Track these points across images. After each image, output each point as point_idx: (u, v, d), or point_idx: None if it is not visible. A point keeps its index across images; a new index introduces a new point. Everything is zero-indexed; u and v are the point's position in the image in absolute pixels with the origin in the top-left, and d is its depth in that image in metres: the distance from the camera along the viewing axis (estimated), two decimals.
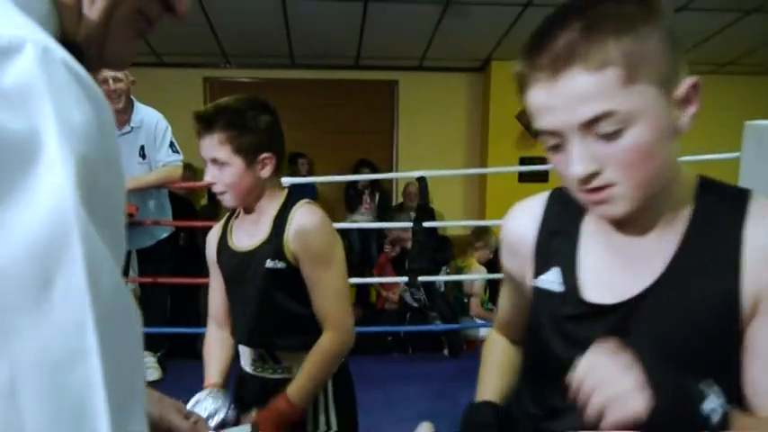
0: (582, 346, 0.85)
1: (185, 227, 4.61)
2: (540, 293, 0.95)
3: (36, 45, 0.40)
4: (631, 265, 0.87)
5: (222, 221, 1.73)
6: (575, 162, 0.77)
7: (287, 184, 2.54)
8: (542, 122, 0.79)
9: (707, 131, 6.15)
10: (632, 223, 0.86)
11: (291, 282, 1.55)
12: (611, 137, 0.75)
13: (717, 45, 5.71)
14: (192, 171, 5.36)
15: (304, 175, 5.69)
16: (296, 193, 1.63)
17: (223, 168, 1.52)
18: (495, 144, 6.40)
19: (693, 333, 0.83)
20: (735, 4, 4.78)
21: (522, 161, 6.25)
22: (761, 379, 0.83)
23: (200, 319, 3.82)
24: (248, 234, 1.62)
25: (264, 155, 1.52)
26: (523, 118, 6.36)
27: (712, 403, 0.75)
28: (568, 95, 0.74)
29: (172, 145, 3.46)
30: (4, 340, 0.35)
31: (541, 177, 6.35)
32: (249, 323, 1.63)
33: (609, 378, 0.76)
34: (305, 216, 1.54)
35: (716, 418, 0.75)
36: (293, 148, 6.08)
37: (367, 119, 6.81)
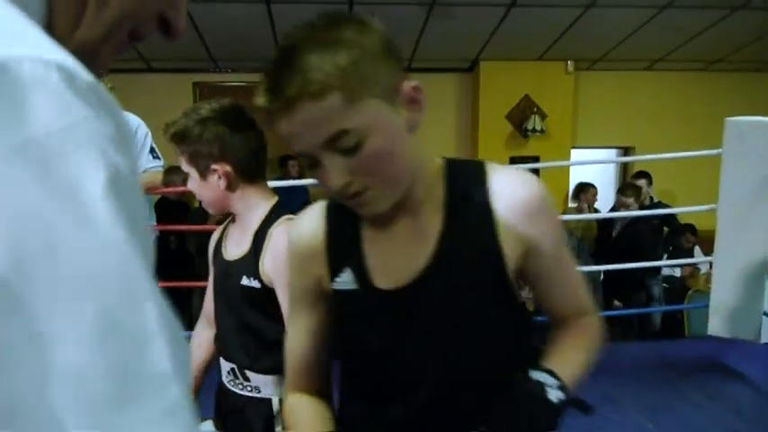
0: (388, 333, 0.97)
1: (175, 230, 4.60)
2: (340, 295, 1.01)
3: (60, 70, 0.33)
4: (410, 248, 0.96)
5: (225, 223, 1.70)
6: (329, 177, 0.86)
7: (274, 187, 2.52)
8: (293, 147, 0.87)
9: (698, 127, 6.21)
10: (399, 213, 0.95)
11: (265, 303, 1.49)
12: (352, 150, 0.83)
13: (705, 42, 5.75)
14: (180, 174, 5.34)
15: (295, 177, 5.68)
16: (283, 205, 1.58)
17: (189, 178, 1.53)
18: (485, 144, 6.42)
19: (475, 295, 0.95)
20: (721, 1, 4.81)
21: (512, 160, 6.26)
22: (563, 298, 1.03)
23: (192, 322, 3.81)
24: (236, 243, 1.58)
25: (216, 166, 1.48)
26: (513, 117, 6.39)
27: (551, 387, 0.89)
28: (303, 123, 0.82)
29: (152, 150, 3.44)
30: None
31: None
32: (221, 336, 1.61)
33: None
34: (281, 237, 1.45)
35: (563, 395, 0.89)
36: (283, 150, 6.07)
37: None
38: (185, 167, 1.52)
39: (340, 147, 0.83)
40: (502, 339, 0.99)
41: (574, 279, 1.05)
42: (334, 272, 1.01)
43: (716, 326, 3.53)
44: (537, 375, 0.90)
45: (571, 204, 6.31)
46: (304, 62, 0.80)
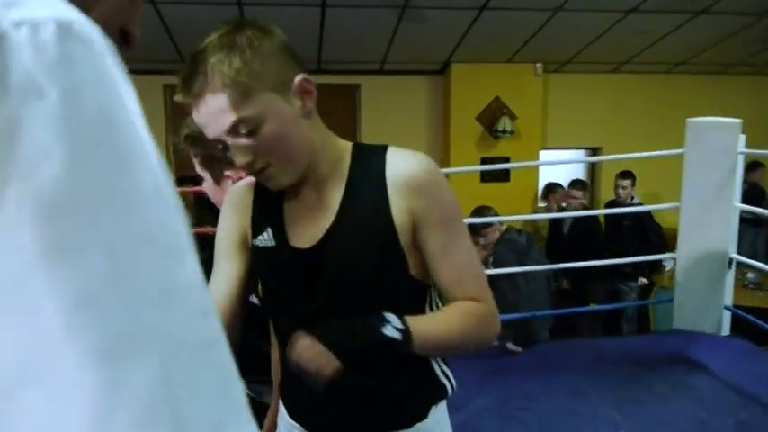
0: (299, 285, 1.12)
1: None
2: (260, 252, 1.16)
3: (94, 28, 0.38)
4: (317, 215, 1.12)
5: None
6: (235, 157, 1.03)
7: None
8: (207, 135, 1.04)
9: (663, 128, 6.35)
10: (307, 186, 1.12)
11: (262, 319, 1.40)
12: (251, 135, 1.00)
13: (669, 45, 5.89)
14: None
15: None
16: None
17: (204, 182, 1.47)
18: (456, 145, 6.49)
19: (370, 256, 1.09)
20: (684, 6, 4.94)
21: (484, 161, 6.34)
22: (451, 279, 1.12)
23: None
24: None
25: (230, 172, 1.43)
26: (484, 119, 6.47)
27: (392, 326, 1.02)
28: (208, 115, 1.00)
29: None
30: (152, 333, 0.34)
31: (503, 177, 6.47)
32: None
33: (311, 354, 1.00)
34: None
35: (397, 335, 1.02)
36: None
37: (330, 122, 6.60)
38: (199, 171, 1.47)
39: (241, 132, 1.00)
40: (391, 299, 1.10)
41: (464, 263, 1.13)
42: (257, 230, 1.16)
43: (680, 320, 3.64)
44: (389, 316, 1.04)
45: (540, 204, 6.42)
46: (206, 65, 0.98)
